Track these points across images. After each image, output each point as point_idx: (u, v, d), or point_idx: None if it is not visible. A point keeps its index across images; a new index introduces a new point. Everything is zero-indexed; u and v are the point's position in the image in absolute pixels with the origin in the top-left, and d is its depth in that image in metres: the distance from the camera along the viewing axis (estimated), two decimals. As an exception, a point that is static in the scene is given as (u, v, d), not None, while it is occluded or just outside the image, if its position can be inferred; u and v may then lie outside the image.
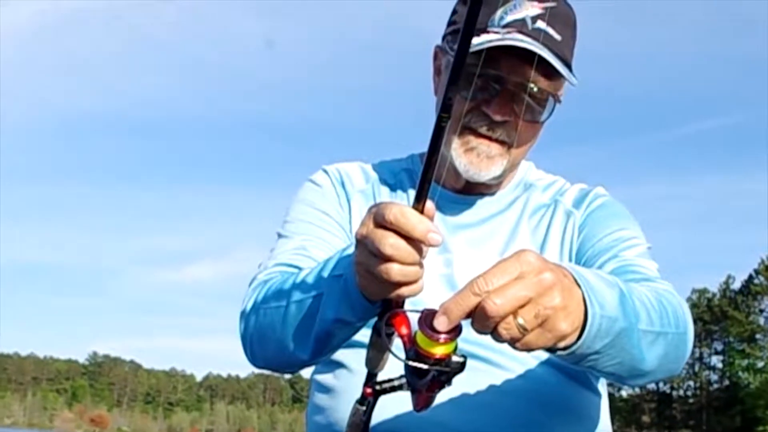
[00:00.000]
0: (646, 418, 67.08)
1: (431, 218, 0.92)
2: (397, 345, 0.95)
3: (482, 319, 0.86)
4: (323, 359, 1.27)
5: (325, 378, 1.40)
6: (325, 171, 1.53)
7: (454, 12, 1.41)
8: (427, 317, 0.89)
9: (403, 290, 0.95)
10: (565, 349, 0.94)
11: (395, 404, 1.19)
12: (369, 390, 0.98)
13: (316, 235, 1.40)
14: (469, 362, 1.17)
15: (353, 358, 1.34)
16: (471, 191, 1.44)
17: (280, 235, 1.44)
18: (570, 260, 1.38)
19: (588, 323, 0.93)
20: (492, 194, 1.47)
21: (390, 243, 0.91)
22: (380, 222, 0.92)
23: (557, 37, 1.29)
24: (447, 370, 0.90)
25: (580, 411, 1.35)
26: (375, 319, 1.02)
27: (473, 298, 0.86)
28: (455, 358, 0.90)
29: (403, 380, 0.96)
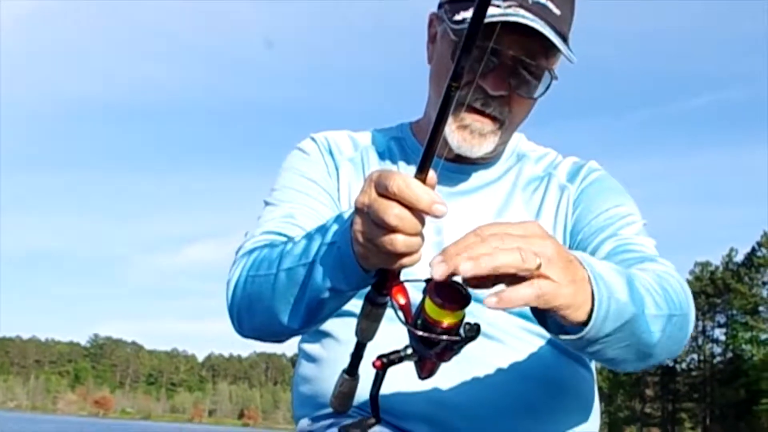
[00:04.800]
0: (649, 392, 67.16)
1: (432, 188, 0.91)
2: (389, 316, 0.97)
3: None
4: (312, 328, 1.25)
5: (313, 348, 1.39)
6: (313, 139, 1.50)
7: None
8: (436, 286, 0.88)
9: (405, 260, 0.95)
10: (574, 333, 0.96)
11: (396, 381, 1.20)
12: (379, 362, 0.97)
13: (303, 203, 1.37)
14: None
15: (341, 329, 1.33)
16: (463, 161, 1.41)
17: (267, 203, 1.41)
18: (564, 235, 1.38)
19: (596, 305, 0.94)
20: (484, 164, 1.45)
21: (395, 213, 0.90)
22: (383, 192, 0.91)
23: (557, 11, 1.27)
24: (458, 339, 0.90)
25: (577, 389, 1.35)
26: (366, 289, 1.02)
27: (473, 238, 0.87)
28: (467, 326, 0.91)
29: (410, 350, 0.95)
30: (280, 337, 1.26)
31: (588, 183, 1.42)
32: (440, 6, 1.37)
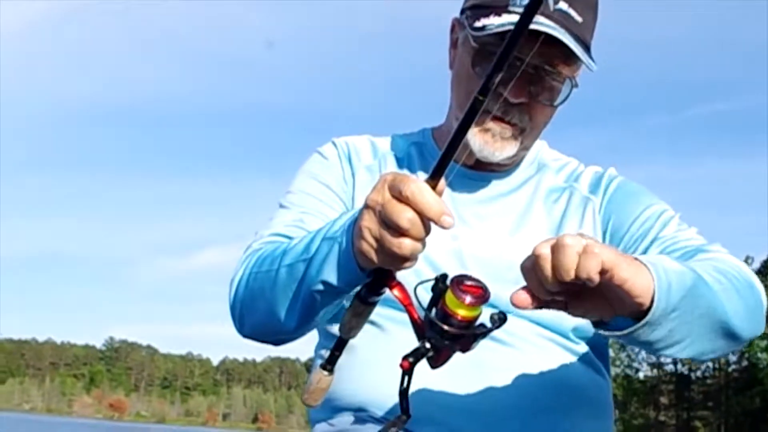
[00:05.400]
0: (664, 400, 66.73)
1: (440, 195, 0.94)
2: (389, 316, 1.04)
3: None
4: (307, 330, 1.25)
5: (326, 352, 1.41)
6: (334, 143, 1.50)
7: None
8: (460, 281, 0.93)
9: (406, 264, 0.97)
10: (644, 315, 0.94)
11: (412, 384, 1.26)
12: (406, 362, 0.98)
13: (316, 208, 1.37)
14: (486, 343, 1.20)
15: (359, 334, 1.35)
16: (483, 168, 1.41)
17: (281, 206, 1.42)
18: None
19: (655, 276, 0.94)
20: (504, 172, 1.44)
21: (408, 218, 0.92)
22: (396, 194, 0.93)
23: (578, 19, 1.26)
24: (487, 330, 0.95)
25: (590, 393, 1.35)
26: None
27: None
28: (496, 317, 0.96)
29: (428, 344, 0.96)
30: (278, 336, 1.26)
31: (612, 192, 1.41)
32: (462, 12, 1.37)
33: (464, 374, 1.25)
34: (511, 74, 1.25)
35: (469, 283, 0.93)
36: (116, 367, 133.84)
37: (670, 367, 63.19)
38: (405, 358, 0.98)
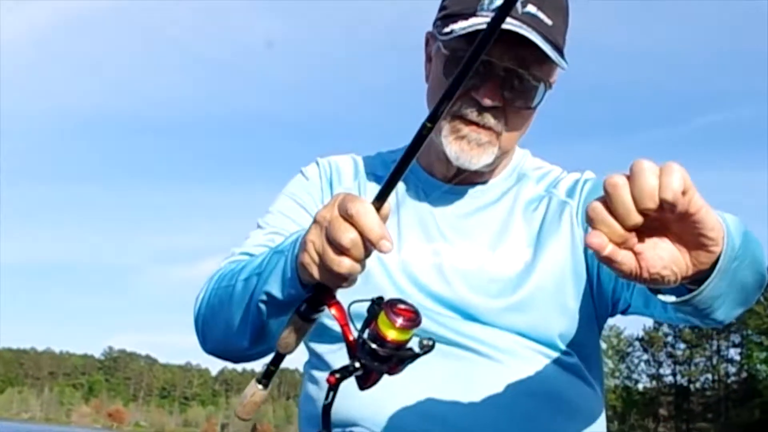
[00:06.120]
0: (663, 411, 66.65)
1: (385, 219, 0.95)
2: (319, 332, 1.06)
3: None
4: (260, 349, 1.25)
5: (314, 371, 1.40)
6: (317, 163, 1.52)
7: None
8: (394, 304, 0.94)
9: (344, 283, 0.99)
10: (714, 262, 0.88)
11: (392, 396, 1.24)
12: (332, 378, 0.99)
13: (288, 229, 1.36)
14: (469, 357, 1.26)
15: (341, 353, 1.33)
16: (462, 181, 1.41)
17: (257, 225, 1.44)
18: (575, 251, 1.36)
19: (720, 217, 0.88)
20: (483, 183, 1.43)
21: (350, 237, 0.93)
22: (343, 213, 0.95)
23: (548, 21, 1.26)
24: (417, 354, 0.97)
25: (578, 405, 1.34)
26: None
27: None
28: (425, 342, 0.97)
29: (357, 364, 0.97)
30: (235, 353, 1.28)
31: (587, 191, 1.39)
32: (434, 24, 1.38)
33: (448, 387, 1.26)
34: (484, 78, 1.27)
35: (402, 306, 0.94)
36: (115, 376, 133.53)
37: (669, 379, 63.27)
38: (332, 373, 0.99)
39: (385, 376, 0.99)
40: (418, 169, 1.45)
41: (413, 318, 0.94)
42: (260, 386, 1.09)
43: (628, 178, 0.80)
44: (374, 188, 1.40)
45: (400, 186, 1.42)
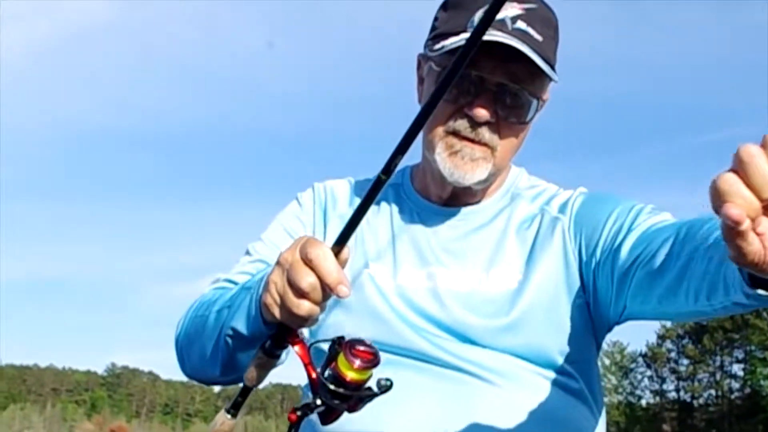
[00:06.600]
0: (666, 427, 66.53)
1: (344, 263, 0.99)
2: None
3: None
4: (230, 378, 1.28)
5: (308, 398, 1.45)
6: (313, 189, 1.53)
7: (436, 18, 1.38)
8: (353, 345, 0.97)
9: (304, 324, 1.03)
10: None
11: (392, 419, 1.25)
12: (294, 415, 1.03)
13: (274, 260, 1.43)
14: (466, 380, 1.28)
15: None
16: (456, 202, 1.42)
17: (246, 251, 1.46)
18: (569, 266, 1.35)
19: None
20: (477, 203, 1.43)
21: (309, 282, 0.97)
22: (303, 257, 0.98)
23: (538, 37, 1.27)
24: (375, 393, 1.00)
25: (577, 425, 1.34)
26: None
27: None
28: (383, 383, 1.00)
29: (319, 401, 1.00)
30: (209, 380, 1.32)
31: (579, 206, 1.39)
32: (425, 45, 1.39)
33: (445, 410, 1.27)
34: (476, 94, 1.28)
35: (360, 348, 0.97)
36: (118, 393, 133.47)
37: (672, 395, 63.14)
38: (293, 411, 1.03)
39: (389, 393, 1.01)
40: (412, 192, 1.47)
41: (371, 359, 0.97)
42: (228, 416, 1.12)
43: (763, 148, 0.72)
44: (369, 213, 1.58)
45: (395, 211, 1.45)
